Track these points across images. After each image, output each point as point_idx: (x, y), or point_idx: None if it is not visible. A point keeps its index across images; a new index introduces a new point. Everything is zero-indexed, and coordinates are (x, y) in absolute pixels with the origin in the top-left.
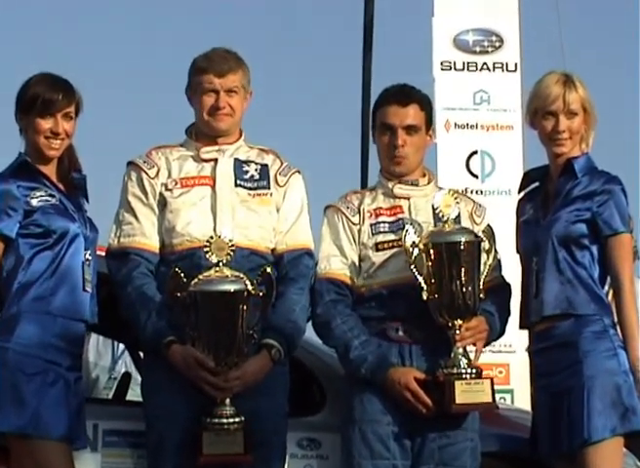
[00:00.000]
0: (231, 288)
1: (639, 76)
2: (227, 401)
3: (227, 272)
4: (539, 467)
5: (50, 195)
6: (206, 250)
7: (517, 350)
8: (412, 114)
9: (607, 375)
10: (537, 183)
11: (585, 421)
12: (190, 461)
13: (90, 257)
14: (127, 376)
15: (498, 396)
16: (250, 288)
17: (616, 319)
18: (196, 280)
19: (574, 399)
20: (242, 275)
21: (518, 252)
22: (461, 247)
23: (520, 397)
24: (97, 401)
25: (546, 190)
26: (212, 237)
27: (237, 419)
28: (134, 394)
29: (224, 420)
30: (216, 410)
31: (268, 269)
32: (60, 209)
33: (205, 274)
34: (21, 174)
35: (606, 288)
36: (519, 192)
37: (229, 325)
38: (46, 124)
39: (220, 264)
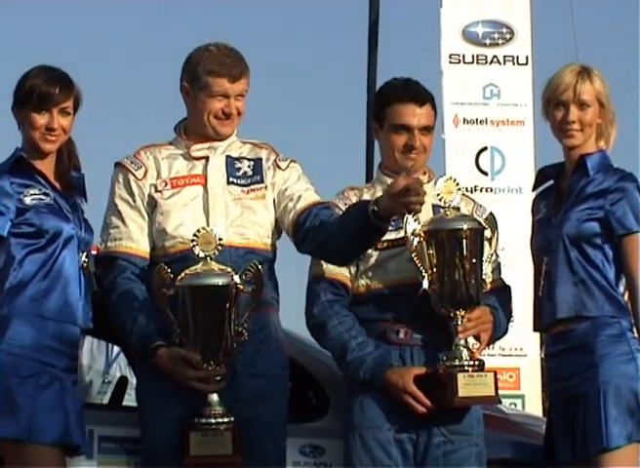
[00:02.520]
0: (218, 281)
1: None
2: (216, 400)
3: (214, 266)
4: None
5: (44, 194)
6: (193, 243)
7: (528, 353)
8: (426, 114)
9: (623, 380)
10: (551, 181)
11: (601, 428)
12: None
13: (87, 260)
14: (123, 381)
15: (508, 401)
16: (238, 281)
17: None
18: (182, 275)
19: (589, 404)
20: (229, 269)
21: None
22: (463, 234)
23: (531, 402)
24: (92, 406)
25: (560, 188)
26: (199, 231)
27: (226, 419)
28: (130, 399)
29: (213, 420)
30: (204, 410)
31: (258, 265)
32: (53, 208)
33: (191, 268)
34: (16, 170)
35: (622, 288)
36: (533, 190)
37: (217, 320)
38: (41, 119)
39: (208, 259)
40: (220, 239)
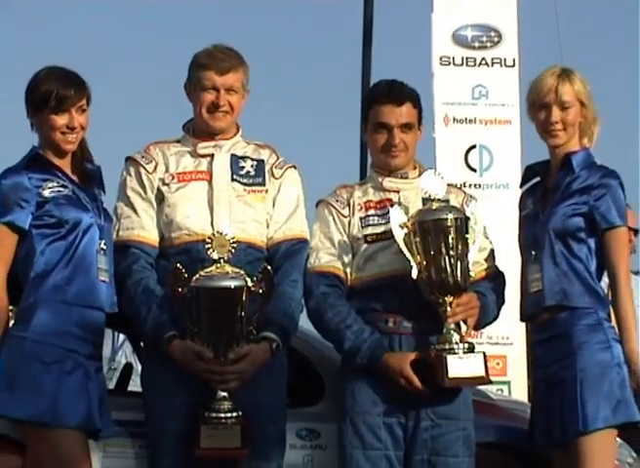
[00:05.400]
0: (232, 284)
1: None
2: (226, 394)
3: (228, 268)
4: (535, 458)
5: (62, 186)
6: (207, 246)
7: (514, 342)
8: (406, 113)
9: (599, 368)
10: (538, 178)
11: (578, 412)
12: (190, 453)
13: (105, 247)
14: (129, 367)
15: (495, 387)
16: (250, 284)
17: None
18: (197, 276)
19: (567, 390)
20: (242, 272)
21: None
22: (449, 223)
23: (517, 389)
24: None
25: (546, 185)
26: (213, 234)
27: (235, 414)
28: (135, 385)
29: (222, 414)
30: (214, 404)
31: (269, 267)
32: (72, 199)
33: (206, 270)
34: (34, 166)
35: (605, 280)
36: (521, 186)
37: (229, 320)
38: (61, 120)
39: (222, 261)
40: (234, 242)
